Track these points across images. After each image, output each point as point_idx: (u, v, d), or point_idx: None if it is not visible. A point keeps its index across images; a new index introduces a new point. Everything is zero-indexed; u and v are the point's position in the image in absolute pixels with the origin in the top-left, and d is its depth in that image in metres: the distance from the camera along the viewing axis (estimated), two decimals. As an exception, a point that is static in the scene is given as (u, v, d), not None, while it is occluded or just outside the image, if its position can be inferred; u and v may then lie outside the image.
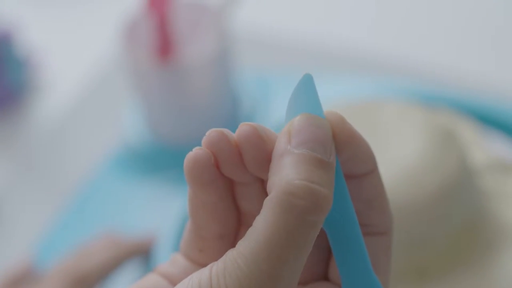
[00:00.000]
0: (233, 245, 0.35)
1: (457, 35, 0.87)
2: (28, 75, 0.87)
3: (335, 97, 0.77)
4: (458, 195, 0.62)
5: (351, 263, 0.33)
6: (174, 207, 0.75)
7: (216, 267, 0.31)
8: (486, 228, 0.64)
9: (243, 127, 0.33)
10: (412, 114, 0.65)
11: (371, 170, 0.34)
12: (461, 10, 0.89)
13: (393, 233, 0.35)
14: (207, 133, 0.33)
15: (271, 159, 0.32)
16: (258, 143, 0.32)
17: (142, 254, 0.69)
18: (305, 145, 0.31)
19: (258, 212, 0.34)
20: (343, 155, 0.33)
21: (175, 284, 0.35)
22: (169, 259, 0.40)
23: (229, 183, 0.34)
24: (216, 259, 0.35)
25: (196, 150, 0.33)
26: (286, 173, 0.31)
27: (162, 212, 0.75)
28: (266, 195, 0.34)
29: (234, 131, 0.71)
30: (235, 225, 0.35)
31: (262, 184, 0.34)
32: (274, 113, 0.80)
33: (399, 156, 0.62)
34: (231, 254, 0.31)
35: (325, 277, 0.35)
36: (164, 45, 0.71)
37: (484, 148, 0.70)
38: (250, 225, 0.35)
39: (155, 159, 0.78)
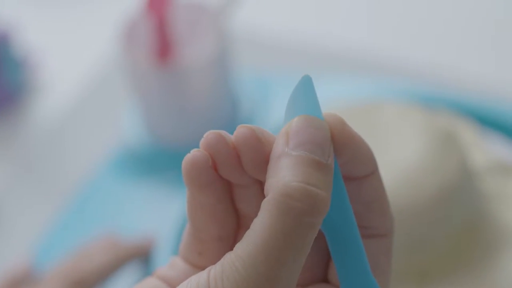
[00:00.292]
0: (232, 247, 0.35)
1: (457, 36, 0.87)
2: (26, 75, 0.87)
3: (335, 98, 0.77)
4: (458, 197, 0.62)
5: (349, 265, 0.33)
6: (173, 209, 0.75)
7: (214, 270, 0.31)
8: (486, 229, 0.64)
9: (241, 129, 0.33)
10: (412, 116, 0.65)
11: (371, 172, 0.33)
12: (461, 11, 0.89)
13: (393, 235, 0.35)
14: (205, 135, 0.33)
15: (269, 161, 0.32)
16: (256, 145, 0.32)
17: (141, 256, 0.69)
18: (302, 146, 0.31)
19: (256, 214, 0.34)
20: (342, 157, 0.33)
21: (174, 288, 0.35)
22: (168, 262, 0.40)
23: (228, 185, 0.34)
24: (216, 262, 0.35)
25: (194, 152, 0.33)
26: (283, 175, 0.31)
27: (161, 213, 0.75)
28: (264, 197, 0.34)
29: (233, 132, 0.71)
30: (234, 227, 0.35)
31: (260, 186, 0.34)
32: (273, 114, 0.80)
33: (399, 158, 0.62)
34: (229, 257, 0.31)
35: (325, 279, 0.35)
36: (163, 46, 0.71)
37: (484, 149, 0.70)
38: (249, 227, 0.35)
39: (154, 161, 0.78)
